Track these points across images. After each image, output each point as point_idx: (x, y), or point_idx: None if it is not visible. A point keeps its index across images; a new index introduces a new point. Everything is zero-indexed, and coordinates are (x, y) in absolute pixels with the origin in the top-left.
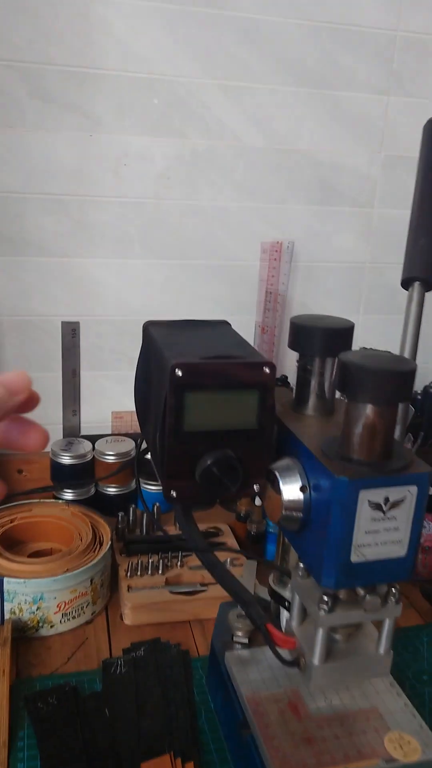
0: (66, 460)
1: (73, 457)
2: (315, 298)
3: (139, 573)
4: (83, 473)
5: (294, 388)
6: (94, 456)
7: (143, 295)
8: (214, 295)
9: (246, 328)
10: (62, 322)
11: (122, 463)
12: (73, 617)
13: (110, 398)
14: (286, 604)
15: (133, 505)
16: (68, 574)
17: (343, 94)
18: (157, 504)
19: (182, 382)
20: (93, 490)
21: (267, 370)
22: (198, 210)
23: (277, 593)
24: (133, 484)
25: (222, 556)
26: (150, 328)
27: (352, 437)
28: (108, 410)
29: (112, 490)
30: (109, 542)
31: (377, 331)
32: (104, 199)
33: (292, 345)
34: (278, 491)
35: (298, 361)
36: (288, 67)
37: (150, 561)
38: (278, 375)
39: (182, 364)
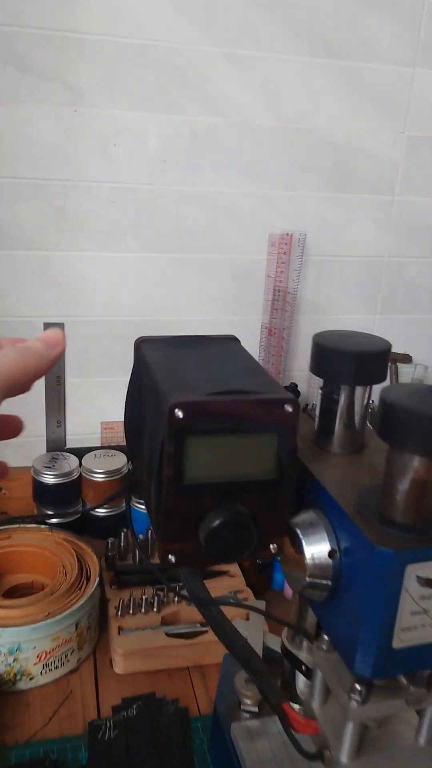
0: (49, 478)
1: (57, 476)
2: (328, 297)
3: (131, 611)
4: (69, 493)
5: (317, 418)
6: (81, 473)
7: (135, 294)
8: (215, 293)
9: (251, 329)
10: (44, 323)
11: (112, 485)
12: (56, 667)
13: (99, 407)
14: (303, 668)
15: (125, 529)
16: (50, 620)
17: (364, 65)
18: (151, 528)
19: (184, 425)
20: (80, 511)
21: (289, 409)
22: (198, 197)
23: (292, 654)
24: (126, 504)
25: (223, 586)
26: (143, 347)
27: (395, 494)
28: (96, 420)
29: (101, 512)
30: (97, 578)
31: (396, 333)
32: (91, 184)
33: (316, 370)
34: (301, 553)
35: (322, 388)
36: (302, 34)
37: (144, 597)
38: (288, 384)
39: (184, 404)
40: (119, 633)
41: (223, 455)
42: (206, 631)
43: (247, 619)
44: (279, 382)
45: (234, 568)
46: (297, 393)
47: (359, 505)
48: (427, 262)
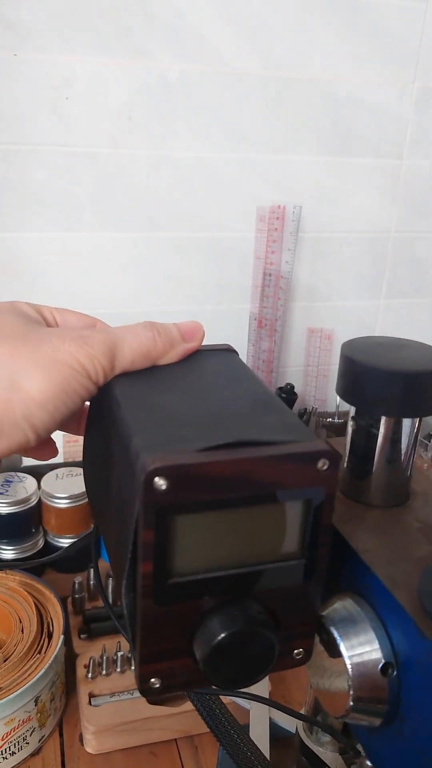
0: (2, 507)
1: (11, 504)
2: (326, 280)
3: (104, 670)
4: (26, 524)
5: (346, 456)
6: (40, 498)
7: (98, 281)
8: (194, 278)
9: (238, 320)
10: None
11: (79, 512)
12: (12, 753)
13: None
14: None
15: (94, 564)
16: (2, 701)
17: (368, 1)
18: None
19: (168, 501)
20: (41, 543)
21: (325, 466)
22: (171, 163)
23: (310, 750)
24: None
25: None
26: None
27: None
28: (57, 433)
29: (64, 542)
30: (61, 635)
31: (403, 318)
32: (40, 149)
33: (346, 394)
34: (339, 663)
35: (354, 419)
36: None
37: (119, 653)
38: (283, 384)
39: (168, 469)
40: (90, 703)
41: (226, 538)
42: None
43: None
44: (274, 393)
45: None
46: (293, 395)
47: (424, 594)
48: None
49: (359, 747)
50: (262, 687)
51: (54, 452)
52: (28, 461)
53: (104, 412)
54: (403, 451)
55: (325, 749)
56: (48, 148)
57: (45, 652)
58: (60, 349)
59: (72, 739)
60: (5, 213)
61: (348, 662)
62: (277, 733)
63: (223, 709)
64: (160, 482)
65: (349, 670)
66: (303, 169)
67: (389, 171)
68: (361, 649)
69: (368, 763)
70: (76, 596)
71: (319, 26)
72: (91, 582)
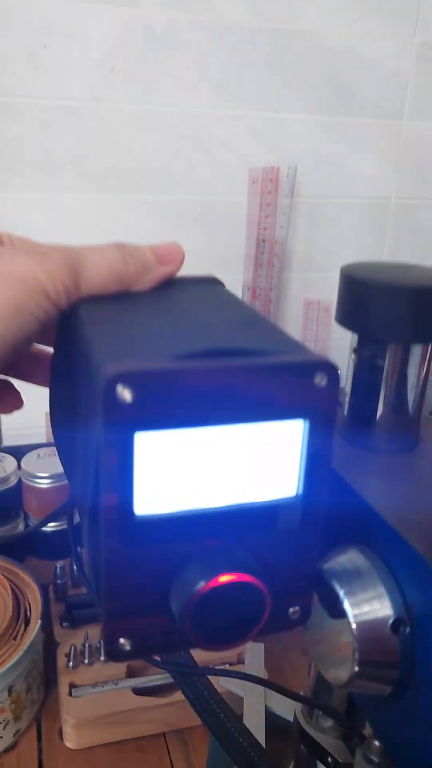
0: None
1: None
2: (323, 248)
3: (86, 659)
4: (6, 505)
5: (347, 398)
6: (20, 479)
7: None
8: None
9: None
10: None
11: (63, 492)
12: None
13: (41, 393)
14: (329, 760)
15: (80, 547)
16: None
17: None
18: None
19: (133, 417)
20: (22, 526)
21: (323, 381)
22: (157, 119)
23: (311, 737)
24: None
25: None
26: (80, 310)
27: None
28: (39, 410)
29: (49, 526)
30: (39, 621)
31: None
32: (15, 101)
33: (345, 318)
34: (343, 623)
35: (355, 350)
36: None
37: (102, 640)
38: None
39: (132, 376)
40: (71, 694)
41: (206, 467)
42: None
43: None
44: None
45: None
46: None
47: None
48: None
49: (366, 731)
50: (256, 673)
51: (17, 402)
52: (7, 440)
53: (68, 340)
54: (412, 387)
55: (326, 735)
56: (24, 100)
57: (20, 639)
58: (12, 263)
59: (51, 734)
60: None
61: (352, 619)
62: (273, 723)
63: (213, 692)
64: (124, 392)
65: (354, 628)
66: (297, 129)
67: (389, 133)
68: (368, 606)
69: (376, 743)
70: (58, 581)
71: None
72: (73, 567)
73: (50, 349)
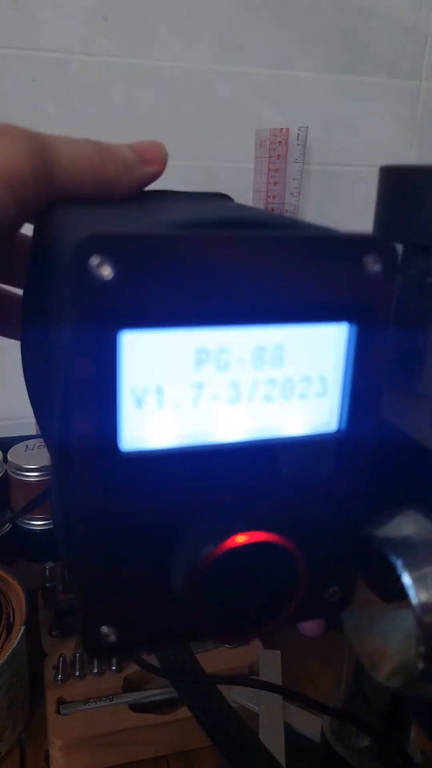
0: None
1: None
2: (336, 220)
3: (77, 672)
4: None
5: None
6: (6, 471)
7: None
8: None
9: None
10: None
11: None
12: None
13: None
14: None
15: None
16: None
17: None
18: None
19: (116, 302)
20: (8, 526)
21: (376, 267)
22: (155, 75)
23: (340, 757)
24: None
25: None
26: (54, 211)
27: None
28: (25, 398)
29: (37, 524)
30: (22, 627)
31: None
32: None
33: (387, 225)
34: (401, 607)
35: (404, 270)
36: None
37: None
38: None
39: (110, 240)
40: (59, 711)
41: (216, 384)
42: None
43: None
44: None
45: None
46: None
47: None
48: None
49: (410, 750)
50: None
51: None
52: None
53: (40, 255)
54: None
55: (360, 757)
56: (9, 51)
57: (1, 648)
58: None
59: (36, 758)
60: None
61: (416, 600)
62: (295, 742)
63: (224, 705)
64: (102, 266)
65: (419, 612)
66: (309, 89)
67: (407, 94)
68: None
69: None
70: (48, 585)
71: None
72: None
73: (18, 291)
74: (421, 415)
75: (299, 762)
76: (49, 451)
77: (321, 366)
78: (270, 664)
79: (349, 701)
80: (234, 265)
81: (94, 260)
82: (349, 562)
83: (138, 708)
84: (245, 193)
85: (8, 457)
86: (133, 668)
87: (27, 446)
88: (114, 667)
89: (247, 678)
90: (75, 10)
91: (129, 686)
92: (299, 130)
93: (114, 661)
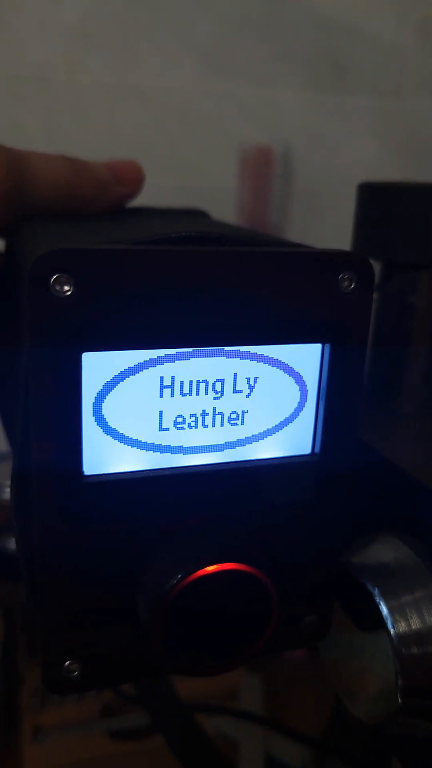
0: None
1: None
2: (320, 239)
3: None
4: None
5: (369, 353)
6: None
7: None
8: None
9: None
10: None
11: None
12: None
13: None
14: None
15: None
16: None
17: None
18: None
19: (76, 320)
20: None
21: (351, 284)
22: (137, 94)
23: None
24: None
25: None
26: (24, 227)
27: None
28: None
29: (13, 545)
30: None
31: None
32: None
33: (364, 243)
34: (379, 637)
35: (379, 287)
36: None
37: None
38: None
39: (70, 256)
40: (35, 737)
41: (185, 405)
42: None
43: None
44: None
45: None
46: None
47: None
48: None
49: None
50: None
51: None
52: None
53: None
54: None
55: None
56: None
57: None
58: None
59: None
60: None
61: (393, 631)
62: None
63: (201, 734)
64: (61, 280)
65: (396, 643)
66: (290, 107)
67: (387, 113)
68: (414, 612)
69: None
70: (25, 605)
71: None
72: None
73: None
74: (400, 437)
75: None
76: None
77: (294, 387)
78: (251, 691)
79: (332, 730)
80: (200, 282)
81: (56, 278)
82: (325, 590)
83: (117, 734)
84: (228, 212)
85: None
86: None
87: (5, 465)
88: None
89: (226, 708)
90: (57, 27)
91: (107, 711)
92: (282, 149)
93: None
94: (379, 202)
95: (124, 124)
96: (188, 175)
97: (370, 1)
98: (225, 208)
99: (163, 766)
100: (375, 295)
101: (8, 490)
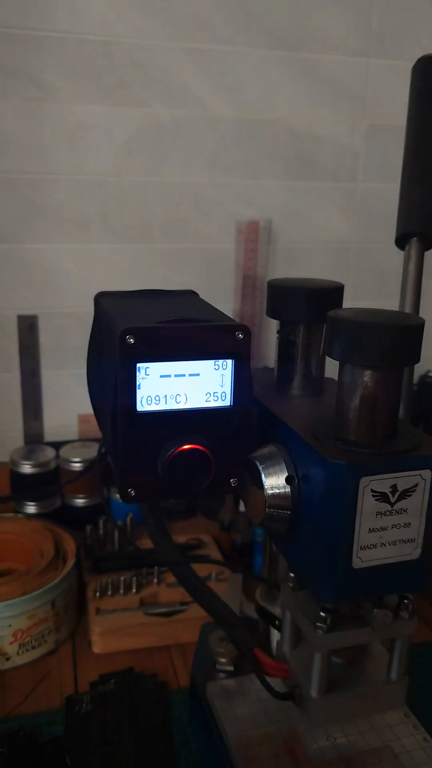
0: (27, 468)
1: (34, 466)
2: None
3: (109, 593)
4: (47, 483)
5: (275, 363)
6: (58, 464)
7: (106, 284)
8: (185, 281)
9: None
10: (18, 315)
11: (87, 468)
12: (33, 647)
13: (75, 399)
14: (277, 622)
15: (104, 518)
16: (25, 597)
17: (320, 56)
18: (131, 515)
19: (135, 352)
20: (59, 502)
21: (240, 336)
22: (164, 187)
23: (266, 610)
24: (105, 493)
25: (204, 569)
26: (102, 300)
27: (348, 413)
28: (73, 413)
29: (80, 502)
30: (74, 559)
31: None
32: (59, 177)
33: (272, 312)
34: (260, 485)
35: (279, 332)
36: (259, 27)
37: (122, 579)
38: (260, 366)
39: (135, 330)
40: (97, 613)
41: (176, 383)
42: (186, 610)
43: (226, 591)
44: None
45: (214, 552)
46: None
47: (316, 431)
48: (394, 248)
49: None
50: (234, 597)
51: None
52: (50, 436)
53: (99, 322)
54: (313, 354)
55: (275, 606)
56: (66, 176)
57: (60, 570)
58: None
59: (82, 644)
60: (32, 228)
61: (265, 482)
62: (246, 623)
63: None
64: (130, 339)
65: (266, 486)
66: (274, 191)
67: (347, 192)
68: (274, 473)
69: (291, 575)
70: (87, 542)
71: (282, 77)
72: (100, 532)
73: None
74: (285, 402)
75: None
76: (103, 417)
77: (222, 378)
78: (235, 582)
79: (269, 572)
80: (183, 336)
81: (128, 337)
82: (240, 466)
83: (149, 614)
84: (229, 266)
85: (59, 453)
86: (146, 591)
87: (73, 446)
88: (134, 591)
89: (210, 559)
90: (109, 148)
91: (143, 602)
92: (266, 222)
93: (134, 586)
94: (276, 293)
95: (154, 208)
96: (200, 241)
97: (329, 114)
98: (226, 265)
99: (178, 633)
100: (277, 338)
101: (73, 464)
